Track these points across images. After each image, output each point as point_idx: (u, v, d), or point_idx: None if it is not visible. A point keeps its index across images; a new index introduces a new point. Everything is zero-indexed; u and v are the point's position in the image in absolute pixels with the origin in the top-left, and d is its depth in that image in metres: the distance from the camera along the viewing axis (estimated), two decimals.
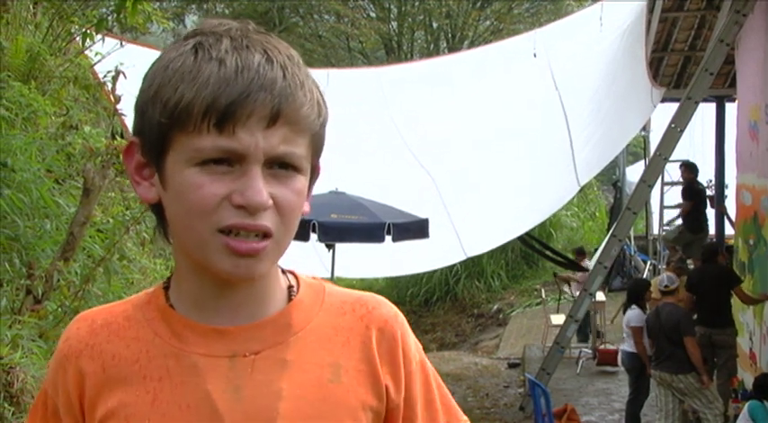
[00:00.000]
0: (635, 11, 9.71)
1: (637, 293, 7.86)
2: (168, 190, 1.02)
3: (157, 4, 14.31)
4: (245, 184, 0.98)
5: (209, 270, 1.02)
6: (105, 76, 5.33)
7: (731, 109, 10.21)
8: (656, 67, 10.83)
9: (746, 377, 7.79)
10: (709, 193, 11.37)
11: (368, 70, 12.73)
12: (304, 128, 1.01)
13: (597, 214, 19.19)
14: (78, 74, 6.78)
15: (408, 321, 1.17)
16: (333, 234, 7.28)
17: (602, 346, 10.58)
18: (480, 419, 8.64)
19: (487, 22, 21.55)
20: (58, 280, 4.29)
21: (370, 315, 1.11)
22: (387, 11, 21.41)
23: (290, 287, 1.11)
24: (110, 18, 6.52)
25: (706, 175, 11.62)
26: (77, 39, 6.36)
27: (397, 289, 16.07)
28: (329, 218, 7.18)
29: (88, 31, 5.79)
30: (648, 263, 14.16)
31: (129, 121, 5.75)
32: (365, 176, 8.79)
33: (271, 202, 0.99)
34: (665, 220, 12.96)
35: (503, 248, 14.52)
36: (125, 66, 4.94)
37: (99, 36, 6.06)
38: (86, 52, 6.65)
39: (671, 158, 8.92)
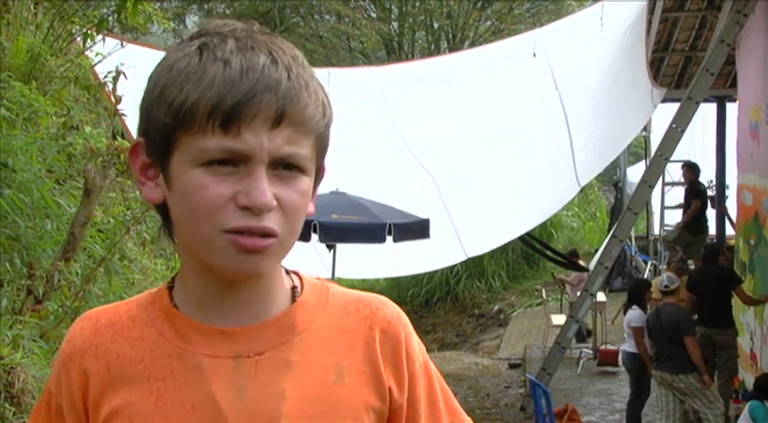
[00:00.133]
0: (635, 11, 9.70)
1: (637, 294, 7.86)
2: (173, 190, 1.02)
3: (158, 4, 14.33)
4: (250, 184, 0.98)
5: (215, 270, 1.02)
6: (106, 77, 5.33)
7: (732, 109, 10.21)
8: (656, 68, 10.83)
9: (747, 377, 7.78)
10: (709, 193, 11.38)
11: (368, 70, 12.71)
12: (309, 129, 1.01)
13: (598, 214, 19.19)
14: (79, 74, 6.78)
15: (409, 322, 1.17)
16: (334, 234, 7.28)
17: (602, 346, 10.58)
18: (481, 420, 8.63)
19: (488, 23, 21.56)
20: (59, 280, 4.29)
21: (374, 316, 1.11)
22: (388, 11, 21.41)
23: (293, 288, 1.11)
24: (110, 18, 6.53)
25: (707, 176, 11.63)
26: (78, 39, 6.36)
27: (397, 289, 16.06)
28: (330, 218, 7.17)
29: (89, 32, 5.79)
30: (649, 263, 14.16)
31: (130, 121, 5.77)
32: (365, 176, 8.78)
33: (275, 203, 0.99)
34: (671, 222, 12.92)
35: (503, 249, 14.52)
36: (126, 66, 4.95)
37: (100, 36, 6.07)
38: (87, 53, 6.65)
39: (672, 159, 8.93)
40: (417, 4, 20.77)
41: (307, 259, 7.91)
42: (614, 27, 9.45)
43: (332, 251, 7.85)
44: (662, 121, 10.56)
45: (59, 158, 5.79)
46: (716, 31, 8.76)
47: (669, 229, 12.59)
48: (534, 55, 9.08)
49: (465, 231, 9.24)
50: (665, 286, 7.19)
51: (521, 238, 10.97)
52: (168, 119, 0.99)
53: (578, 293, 11.00)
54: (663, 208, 13.13)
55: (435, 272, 14.97)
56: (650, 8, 9.76)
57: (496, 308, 15.39)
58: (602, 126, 9.93)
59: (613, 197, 17.25)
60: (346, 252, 8.01)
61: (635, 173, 15.63)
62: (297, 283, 1.12)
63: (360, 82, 9.59)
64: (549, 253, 11.90)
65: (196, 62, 0.99)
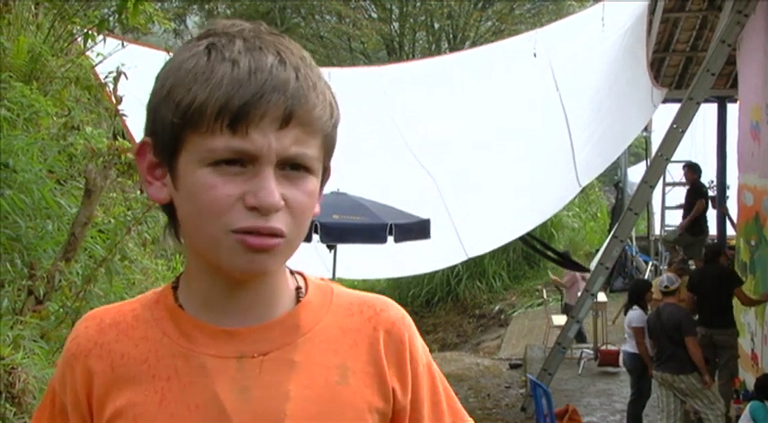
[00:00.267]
0: (636, 11, 9.71)
1: (638, 294, 7.86)
2: (180, 190, 1.02)
3: (159, 4, 14.33)
4: (258, 185, 0.98)
5: (222, 269, 1.02)
6: (107, 77, 5.32)
7: (733, 109, 10.22)
8: (657, 68, 10.84)
9: (748, 378, 7.78)
10: (710, 193, 11.38)
11: (369, 69, 12.71)
12: (316, 129, 1.01)
13: (599, 215, 19.19)
14: (80, 74, 6.79)
15: None
16: (335, 235, 7.27)
17: (603, 347, 10.59)
18: (482, 420, 8.63)
19: (489, 23, 21.57)
20: (60, 280, 4.29)
21: (378, 317, 1.11)
22: (388, 11, 21.42)
23: (298, 288, 1.11)
24: (111, 19, 6.53)
25: (707, 176, 11.63)
26: (79, 39, 6.36)
27: (398, 290, 16.07)
28: (331, 218, 7.17)
29: (90, 32, 5.80)
30: (650, 263, 14.17)
31: (131, 121, 5.78)
32: (366, 177, 8.77)
33: (283, 203, 0.99)
34: (672, 223, 12.92)
35: (504, 249, 14.52)
36: (126, 66, 4.94)
37: (100, 37, 6.07)
38: (88, 53, 6.66)
39: (672, 159, 8.93)
40: (418, 4, 20.78)
41: (308, 259, 7.90)
42: (615, 27, 9.45)
43: (333, 251, 7.85)
44: (663, 122, 10.57)
45: (60, 159, 5.79)
46: (717, 31, 8.77)
47: (670, 229, 12.59)
48: (535, 55, 9.08)
49: (466, 231, 9.24)
50: (666, 287, 7.19)
51: (521, 239, 10.98)
52: (176, 118, 0.99)
53: (573, 295, 11.05)
54: (663, 208, 13.14)
55: (436, 272, 14.97)
56: (651, 8, 9.77)
57: (497, 308, 15.39)
58: (602, 126, 9.93)
59: (614, 197, 17.25)
60: (347, 252, 8.00)
61: (636, 173, 15.63)
62: (301, 283, 1.12)
63: (360, 82, 9.58)
64: (549, 253, 11.91)
65: (204, 62, 0.99)
